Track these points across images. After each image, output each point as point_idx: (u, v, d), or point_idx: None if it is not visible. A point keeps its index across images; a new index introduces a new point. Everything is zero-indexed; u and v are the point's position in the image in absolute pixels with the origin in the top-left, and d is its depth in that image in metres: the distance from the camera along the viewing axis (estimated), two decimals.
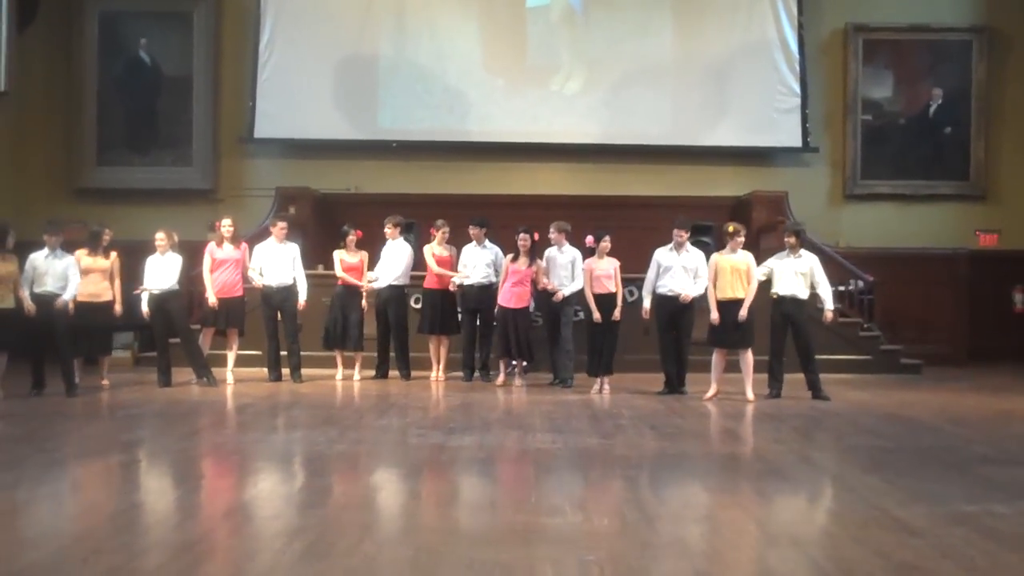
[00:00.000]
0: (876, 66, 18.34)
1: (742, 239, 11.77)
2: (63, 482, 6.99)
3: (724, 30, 18.21)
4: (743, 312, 11.46)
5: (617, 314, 12.06)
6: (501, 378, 12.92)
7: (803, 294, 11.83)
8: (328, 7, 18.19)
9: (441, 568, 4.80)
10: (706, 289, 11.82)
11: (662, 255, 12.19)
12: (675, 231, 12.14)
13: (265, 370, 13.26)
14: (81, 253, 12.18)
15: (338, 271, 13.43)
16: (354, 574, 4.70)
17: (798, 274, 11.76)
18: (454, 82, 18.08)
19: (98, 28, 18.04)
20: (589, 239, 12.35)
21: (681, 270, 12.03)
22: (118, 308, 12.35)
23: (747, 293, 11.59)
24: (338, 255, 13.54)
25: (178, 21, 18.04)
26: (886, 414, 10.80)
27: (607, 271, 12.12)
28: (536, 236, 12.88)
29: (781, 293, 11.71)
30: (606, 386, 12.16)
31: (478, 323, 13.53)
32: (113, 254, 12.40)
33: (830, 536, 5.66)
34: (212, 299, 12.78)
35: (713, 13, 18.25)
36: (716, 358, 11.80)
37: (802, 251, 11.92)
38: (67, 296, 11.60)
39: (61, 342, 11.64)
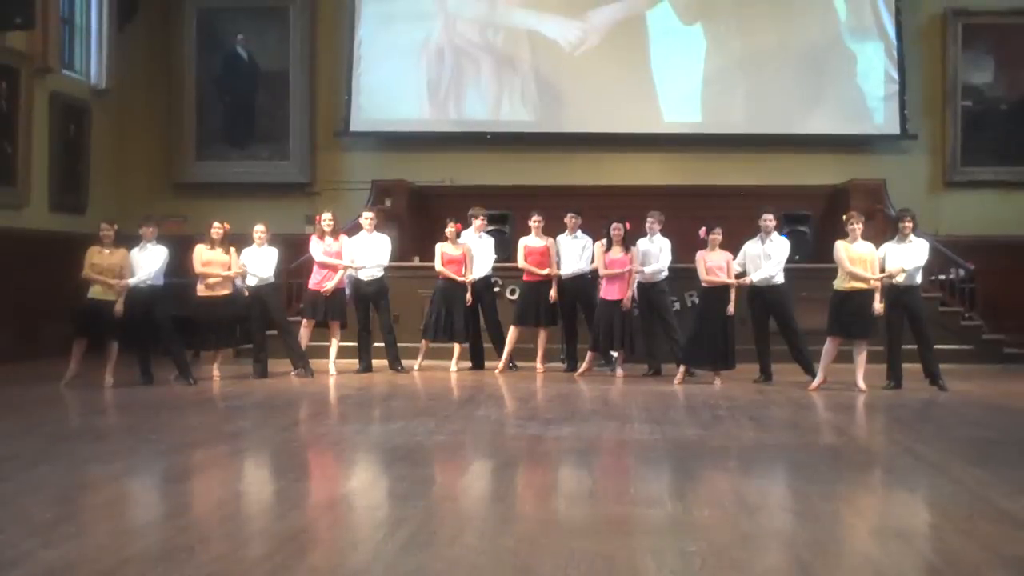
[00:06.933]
0: (976, 51, 17.85)
1: (855, 226, 11.60)
2: (168, 472, 7.10)
3: (821, 17, 17.94)
4: (877, 305, 11.28)
5: (731, 308, 11.95)
6: (583, 367, 12.97)
7: (916, 279, 11.65)
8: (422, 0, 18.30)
9: (542, 559, 4.81)
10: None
11: (750, 246, 12.38)
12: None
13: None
14: (202, 247, 12.42)
15: (438, 265, 13.44)
16: (455, 565, 4.73)
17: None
18: (547, 73, 18.05)
19: (196, 25, 18.24)
20: (703, 231, 12.23)
21: (758, 258, 12.29)
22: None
23: (874, 282, 11.37)
24: (440, 248, 13.54)
25: (274, 16, 18.18)
26: (990, 404, 10.67)
27: (719, 263, 12.03)
28: (628, 225, 12.80)
29: (894, 280, 11.51)
30: (716, 380, 12.04)
31: (576, 314, 13.50)
32: (232, 249, 12.54)
33: (935, 528, 5.58)
34: (328, 286, 12.96)
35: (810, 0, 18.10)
36: (828, 346, 11.60)
37: (912, 236, 11.64)
38: (130, 281, 11.70)
39: (140, 333, 11.87)
